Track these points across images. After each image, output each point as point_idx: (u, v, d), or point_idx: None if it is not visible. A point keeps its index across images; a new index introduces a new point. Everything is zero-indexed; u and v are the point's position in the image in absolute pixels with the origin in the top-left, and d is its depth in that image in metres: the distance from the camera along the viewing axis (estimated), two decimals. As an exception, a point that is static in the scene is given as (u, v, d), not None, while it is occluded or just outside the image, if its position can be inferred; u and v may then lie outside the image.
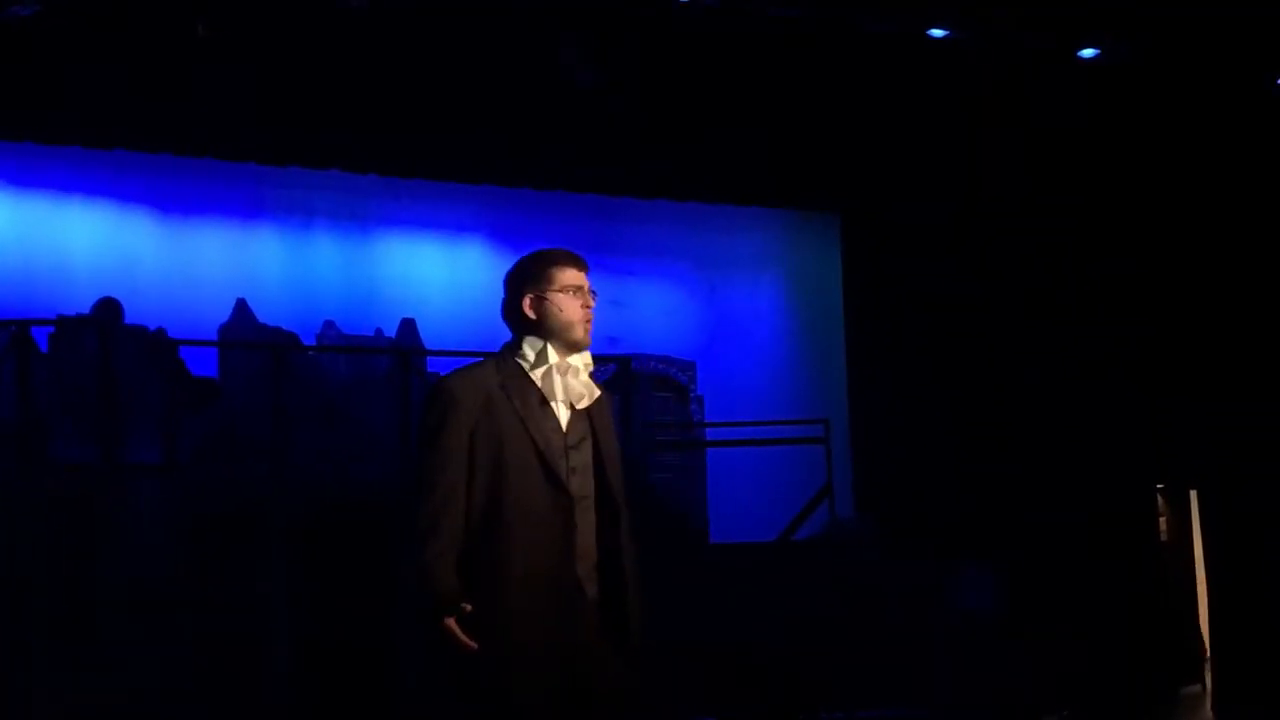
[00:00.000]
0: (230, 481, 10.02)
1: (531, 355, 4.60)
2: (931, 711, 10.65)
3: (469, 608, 4.34)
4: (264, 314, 11.67)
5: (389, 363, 11.46)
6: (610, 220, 13.73)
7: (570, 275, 4.63)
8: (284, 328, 11.56)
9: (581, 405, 4.62)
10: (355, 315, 12.49)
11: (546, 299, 4.60)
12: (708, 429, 13.31)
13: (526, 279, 4.65)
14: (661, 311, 14.18)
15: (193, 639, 9.23)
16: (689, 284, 14.45)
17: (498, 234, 13.43)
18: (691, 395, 13.18)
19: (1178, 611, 13.45)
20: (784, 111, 12.85)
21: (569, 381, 4.59)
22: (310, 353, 11.60)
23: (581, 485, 4.55)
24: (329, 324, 12.22)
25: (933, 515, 12.79)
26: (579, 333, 4.61)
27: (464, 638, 4.33)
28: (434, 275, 13.26)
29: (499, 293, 4.72)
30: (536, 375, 4.58)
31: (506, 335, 12.84)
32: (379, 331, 12.36)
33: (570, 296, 4.61)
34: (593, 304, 4.66)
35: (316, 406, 10.84)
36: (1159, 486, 13.90)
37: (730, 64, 12.32)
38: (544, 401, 4.57)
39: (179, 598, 9.22)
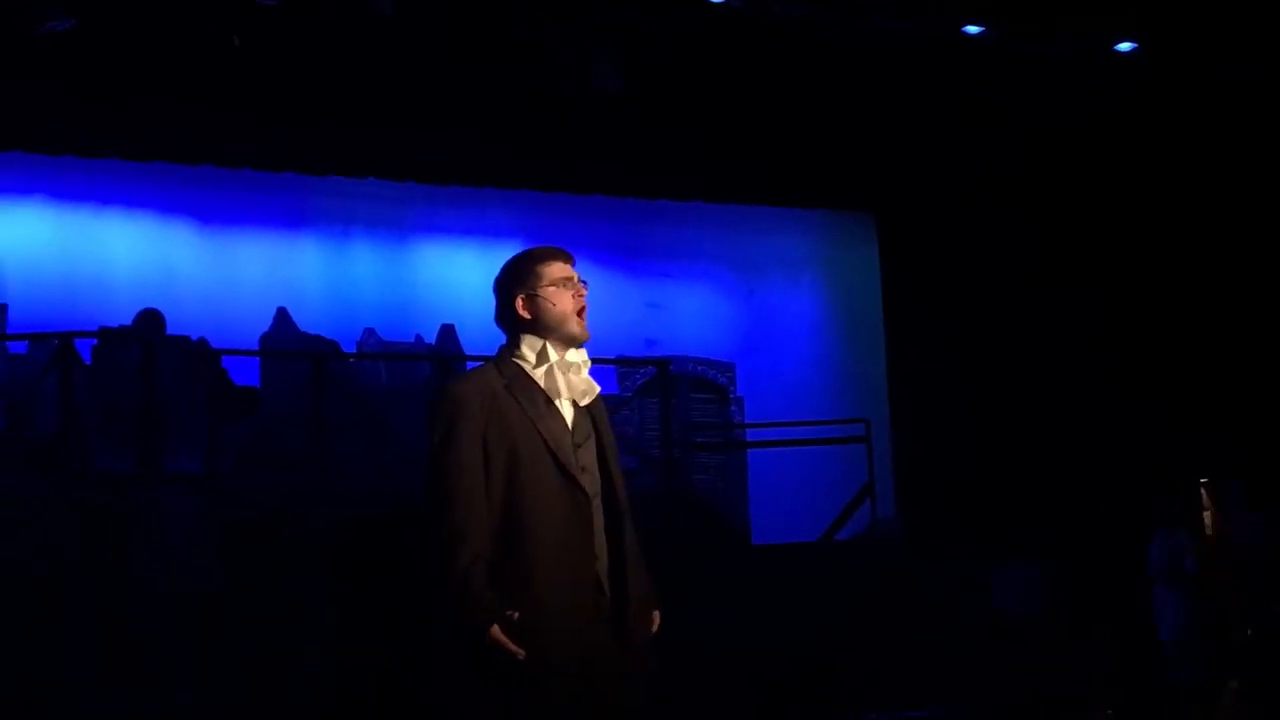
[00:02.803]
0: (271, 490, 10.06)
1: (531, 355, 4.57)
2: (975, 711, 10.61)
3: (515, 614, 4.31)
4: (305, 322, 11.73)
5: (429, 369, 11.51)
6: (647, 223, 13.76)
7: (557, 269, 4.60)
8: (324, 336, 11.62)
9: (585, 402, 4.60)
10: (395, 322, 12.54)
11: (538, 295, 4.56)
12: (748, 430, 13.30)
13: (515, 280, 4.60)
14: (699, 314, 14.19)
15: (232, 647, 9.28)
16: (727, 286, 14.45)
17: (535, 239, 13.40)
18: (731, 396, 13.19)
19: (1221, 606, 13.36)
20: (819, 113, 12.84)
21: (571, 379, 4.57)
22: (351, 360, 11.66)
23: (590, 484, 4.53)
24: (369, 331, 12.27)
25: (974, 514, 12.76)
26: (573, 326, 4.58)
27: (512, 645, 4.30)
28: (472, 281, 13.25)
29: (494, 303, 4.69)
30: (539, 374, 4.55)
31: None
32: (419, 338, 12.41)
33: (561, 289, 4.58)
34: (584, 293, 4.62)
35: (357, 414, 10.87)
36: (1203, 481, 13.82)
37: (765, 66, 12.32)
38: (549, 401, 4.54)
39: (219, 606, 9.26)
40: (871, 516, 12.34)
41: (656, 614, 4.63)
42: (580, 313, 4.59)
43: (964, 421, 13.29)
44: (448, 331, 12.24)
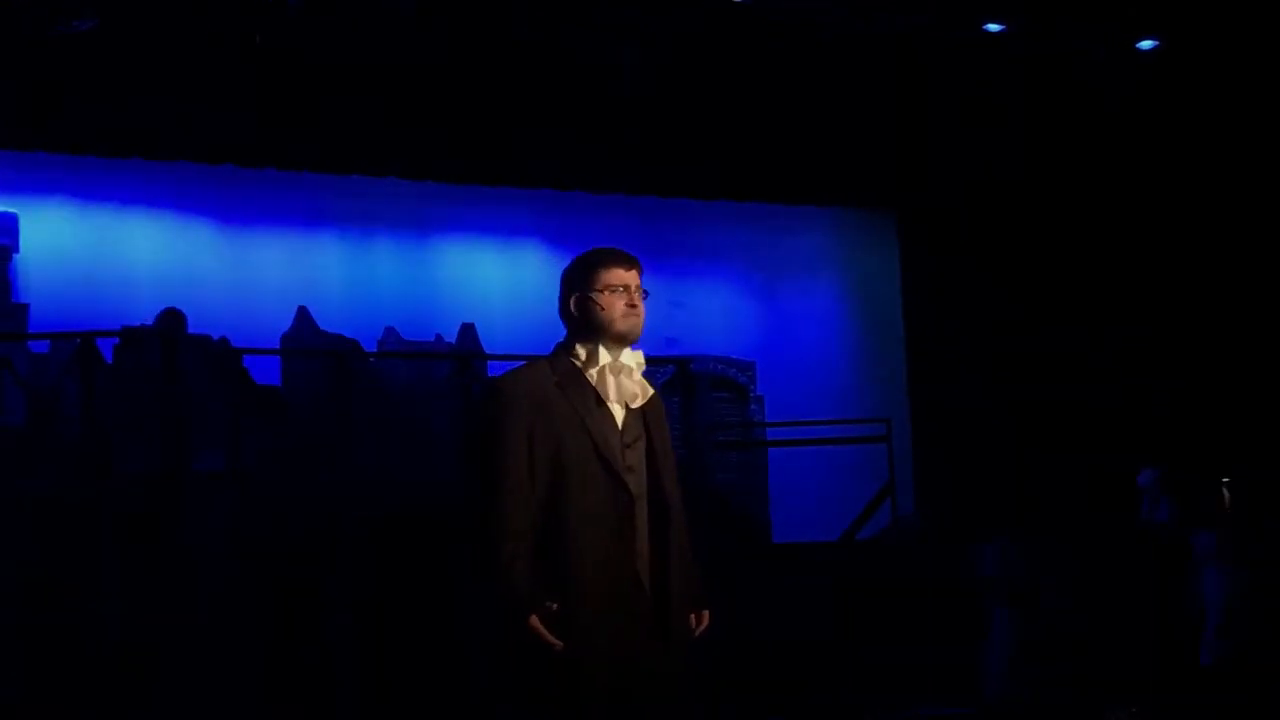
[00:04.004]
0: (294, 488, 10.08)
1: (584, 355, 4.62)
2: (996, 710, 10.59)
3: (554, 606, 4.37)
4: (325, 321, 11.75)
5: (449, 368, 11.52)
6: (667, 222, 13.74)
7: (614, 275, 4.62)
8: (345, 335, 11.64)
9: (635, 405, 4.63)
10: (415, 321, 12.56)
11: (590, 298, 4.61)
12: (768, 429, 13.29)
13: (573, 279, 4.66)
14: (720, 312, 14.18)
15: (258, 645, 9.29)
16: (747, 284, 14.44)
17: (555, 238, 13.46)
18: (751, 395, 13.18)
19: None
20: (840, 111, 12.82)
21: (622, 381, 4.61)
22: (371, 359, 11.67)
23: (637, 484, 4.56)
24: (389, 330, 12.30)
25: (996, 513, 12.72)
26: (621, 327, 4.60)
27: (550, 636, 4.35)
28: (492, 280, 13.31)
29: (557, 295, 4.76)
30: (591, 375, 4.60)
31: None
32: (439, 337, 12.43)
33: (612, 295, 4.60)
34: (639, 302, 4.64)
35: (378, 412, 10.89)
36: (1224, 480, 13.76)
37: (786, 64, 12.31)
38: (599, 401, 4.58)
39: (244, 604, 9.28)
40: (892, 516, 12.32)
41: (705, 614, 4.69)
42: (626, 318, 4.61)
43: (985, 421, 13.26)
44: (468, 330, 12.26)
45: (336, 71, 11.37)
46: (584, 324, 4.62)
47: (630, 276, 4.64)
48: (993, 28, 12.15)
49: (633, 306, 4.61)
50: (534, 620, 4.34)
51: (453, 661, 9.56)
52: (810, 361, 14.29)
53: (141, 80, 10.94)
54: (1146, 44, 12.51)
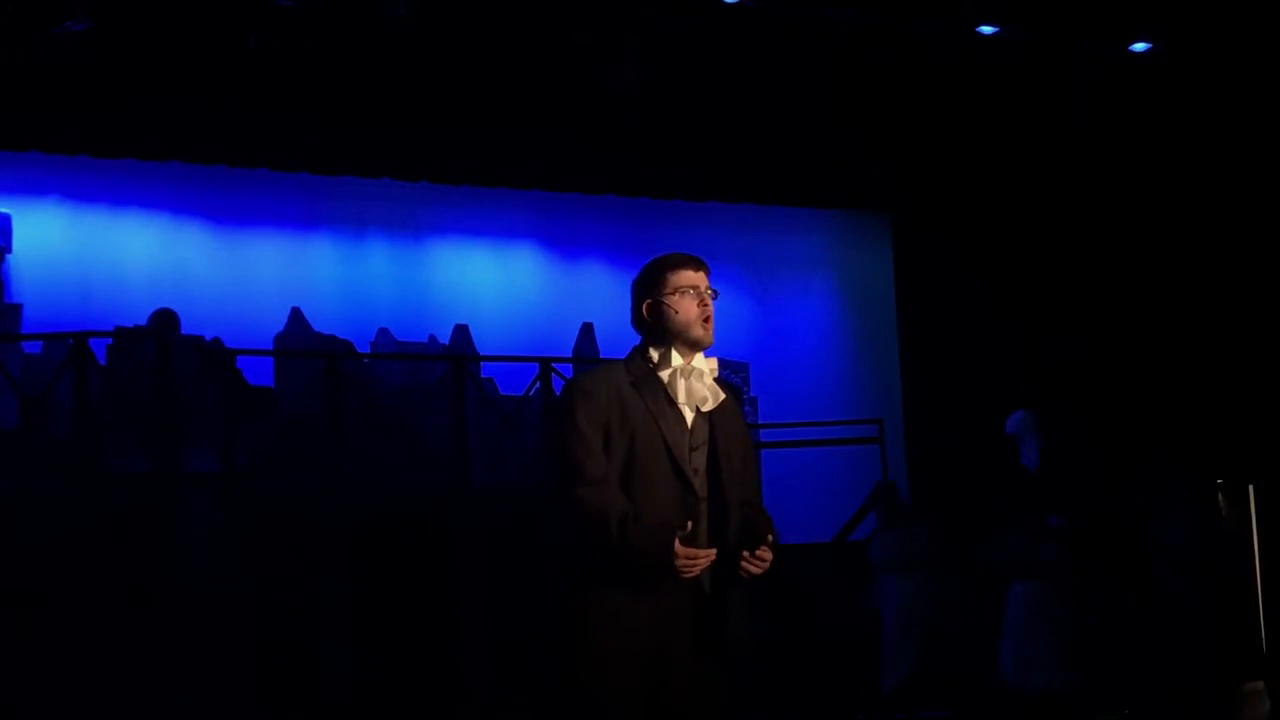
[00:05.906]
0: (287, 489, 10.08)
1: (656, 358, 4.69)
2: (991, 712, 10.60)
3: (690, 524, 4.44)
4: (318, 322, 11.74)
5: (443, 369, 11.51)
6: (660, 223, 13.73)
7: (684, 277, 4.71)
8: (338, 336, 11.63)
9: (706, 408, 4.70)
10: (409, 322, 12.55)
11: (662, 303, 4.69)
12: (762, 430, 13.29)
13: (644, 285, 4.75)
14: (714, 314, 14.16)
15: (250, 647, 9.29)
16: (741, 286, 14.42)
17: (549, 239, 13.45)
18: (745, 397, 13.16)
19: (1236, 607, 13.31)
20: (834, 112, 12.83)
21: (692, 384, 4.67)
22: (365, 360, 11.67)
23: (701, 486, 4.64)
24: (383, 331, 12.29)
25: (988, 515, 12.71)
26: (696, 331, 4.67)
27: (700, 552, 4.43)
28: (486, 281, 13.29)
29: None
30: (663, 376, 4.68)
31: (558, 339, 12.75)
32: (432, 338, 12.42)
33: (684, 297, 4.68)
34: (709, 303, 4.72)
35: (371, 413, 10.89)
36: (1219, 482, 13.77)
37: (781, 66, 12.32)
38: (671, 402, 4.66)
39: (237, 605, 9.27)
40: (886, 517, 12.29)
41: (768, 542, 4.67)
42: (705, 321, 4.69)
43: (978, 421, 13.24)
44: (461, 331, 12.25)
45: (330, 72, 11.39)
46: (657, 329, 4.70)
47: (699, 278, 4.73)
48: (986, 30, 12.16)
49: (704, 306, 4.68)
50: (678, 546, 4.39)
51: (445, 661, 9.56)
52: (804, 363, 14.30)
53: (135, 80, 10.95)
54: (1140, 46, 12.51)
